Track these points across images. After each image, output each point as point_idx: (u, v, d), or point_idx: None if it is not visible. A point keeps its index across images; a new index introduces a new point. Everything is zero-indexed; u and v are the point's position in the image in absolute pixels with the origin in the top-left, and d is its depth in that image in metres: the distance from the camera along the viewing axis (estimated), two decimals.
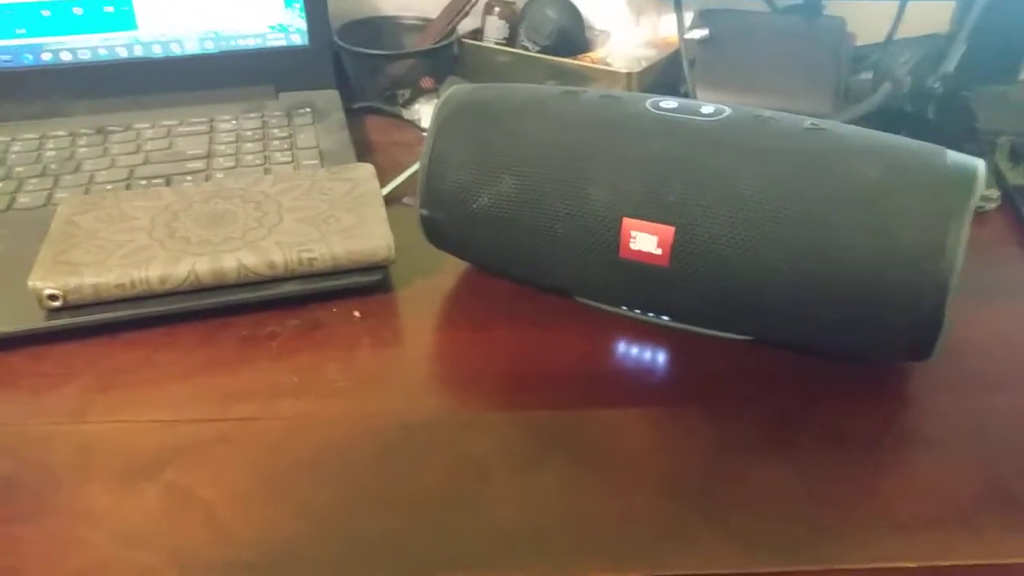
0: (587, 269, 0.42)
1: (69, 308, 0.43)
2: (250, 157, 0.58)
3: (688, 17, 0.67)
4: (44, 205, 0.53)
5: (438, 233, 0.46)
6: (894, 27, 0.65)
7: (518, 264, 0.45)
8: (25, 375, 0.42)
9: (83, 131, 0.61)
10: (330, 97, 0.67)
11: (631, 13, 0.74)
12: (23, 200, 0.54)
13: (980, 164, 0.37)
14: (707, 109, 0.41)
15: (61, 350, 0.43)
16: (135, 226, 0.46)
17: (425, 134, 0.45)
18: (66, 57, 0.64)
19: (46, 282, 0.42)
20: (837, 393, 0.40)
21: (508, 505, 0.35)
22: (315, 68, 0.67)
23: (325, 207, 0.48)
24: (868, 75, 0.66)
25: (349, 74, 0.70)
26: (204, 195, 0.49)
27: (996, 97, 0.65)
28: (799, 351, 0.42)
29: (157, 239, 0.45)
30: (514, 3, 0.73)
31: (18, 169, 0.57)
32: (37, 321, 0.43)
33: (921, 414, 0.39)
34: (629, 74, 0.65)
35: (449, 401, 0.40)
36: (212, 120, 0.63)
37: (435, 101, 0.57)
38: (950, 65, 0.57)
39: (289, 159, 0.58)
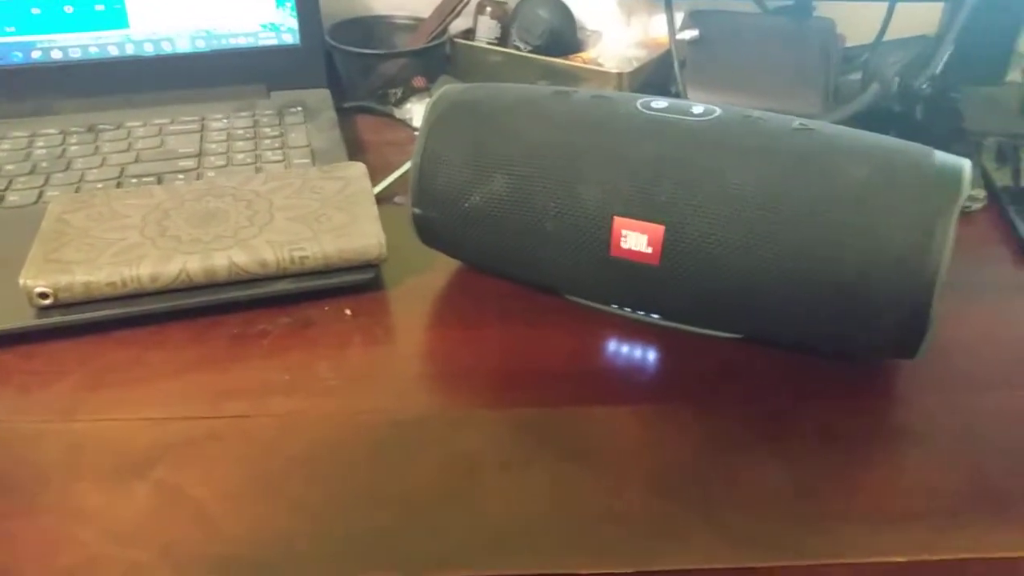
0: (578, 268, 0.42)
1: (60, 306, 0.43)
2: (241, 156, 0.58)
3: (679, 18, 0.67)
4: (35, 203, 0.53)
5: (429, 232, 0.46)
6: (883, 28, 0.65)
7: (509, 263, 0.45)
8: (15, 373, 0.41)
9: (74, 129, 0.61)
10: (321, 96, 0.67)
11: (622, 14, 0.74)
12: (13, 198, 0.53)
13: (967, 164, 0.38)
14: (697, 109, 0.41)
15: (51, 348, 0.43)
16: (126, 224, 0.46)
17: (417, 133, 0.45)
18: (57, 55, 0.64)
19: (37, 280, 0.42)
20: (826, 391, 0.41)
21: (498, 502, 0.35)
22: (306, 67, 0.67)
23: (316, 206, 0.48)
24: (857, 76, 0.66)
25: (341, 73, 0.70)
26: (195, 193, 0.49)
27: (983, 98, 0.66)
28: (788, 349, 0.42)
29: (148, 237, 0.45)
30: (506, 3, 0.74)
31: (8, 167, 0.57)
32: (27, 319, 0.43)
33: (909, 412, 0.40)
34: (620, 74, 0.66)
35: (440, 399, 0.40)
36: (203, 119, 0.63)
37: (427, 100, 0.57)
38: (938, 66, 0.58)
39: (280, 158, 0.58)
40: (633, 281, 0.41)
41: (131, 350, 0.43)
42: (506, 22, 0.73)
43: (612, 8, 0.74)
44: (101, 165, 0.57)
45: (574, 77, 0.67)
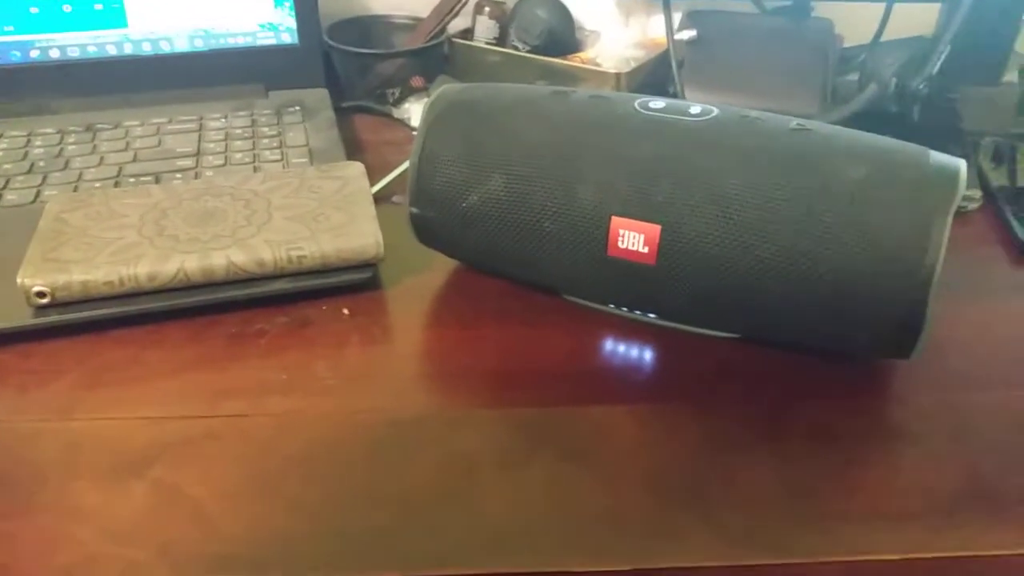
0: (575, 267, 0.42)
1: (57, 305, 0.43)
2: (239, 155, 0.59)
3: (677, 18, 0.67)
4: (32, 202, 0.53)
5: (427, 231, 0.46)
6: (880, 29, 0.65)
7: (507, 262, 0.45)
8: (13, 372, 0.41)
9: (72, 128, 0.61)
10: (320, 96, 0.67)
11: (620, 14, 0.74)
12: (10, 197, 0.53)
13: (962, 164, 0.38)
14: (695, 109, 0.41)
15: (49, 347, 0.43)
16: (124, 224, 0.46)
17: (415, 133, 0.46)
18: (55, 55, 0.64)
19: (35, 279, 0.42)
20: (822, 390, 0.41)
21: (496, 501, 0.35)
22: (305, 67, 0.67)
23: (315, 205, 0.48)
24: (854, 76, 0.66)
25: (339, 73, 0.70)
26: (193, 193, 0.49)
27: (980, 98, 0.66)
28: (785, 349, 0.43)
29: (146, 237, 0.45)
30: (504, 3, 0.74)
31: (6, 166, 0.57)
32: (25, 318, 0.43)
33: (905, 411, 0.40)
34: (618, 74, 0.66)
35: (438, 398, 0.40)
36: (201, 118, 0.63)
37: (425, 100, 0.58)
38: (935, 67, 0.58)
39: (278, 157, 0.58)
40: (630, 281, 0.41)
41: (129, 349, 0.43)
42: (504, 22, 0.73)
43: (610, 8, 0.74)
44: (99, 164, 0.57)
45: (572, 77, 0.67)
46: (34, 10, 0.63)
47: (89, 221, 0.46)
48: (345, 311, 0.46)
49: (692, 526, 0.34)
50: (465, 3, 0.71)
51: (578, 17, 0.74)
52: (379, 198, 0.52)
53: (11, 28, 0.63)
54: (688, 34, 0.66)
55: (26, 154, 0.58)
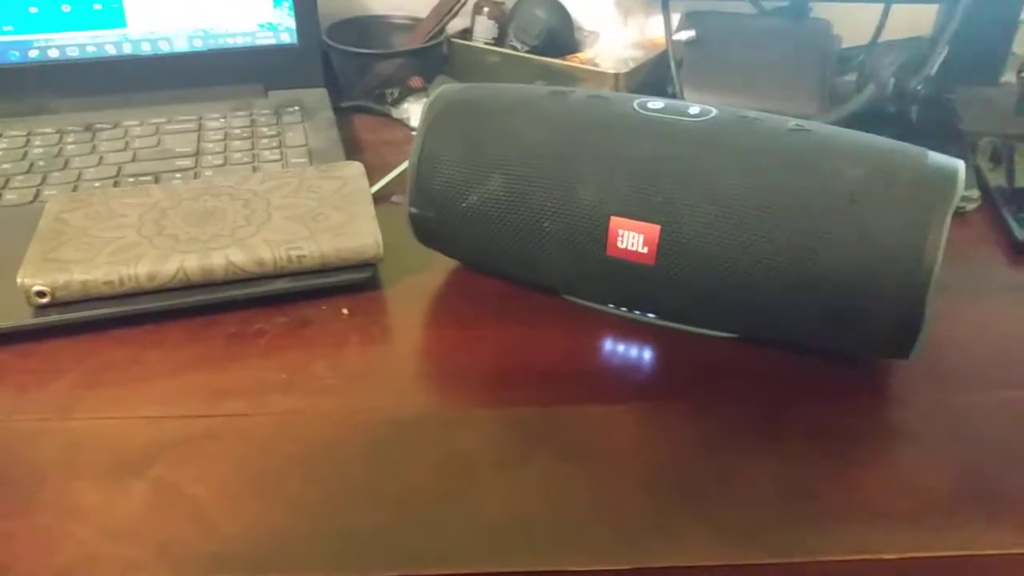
0: (574, 267, 0.42)
1: (57, 305, 0.43)
2: (239, 155, 0.59)
3: (675, 19, 0.67)
4: (31, 202, 0.53)
5: (427, 231, 0.46)
6: (879, 30, 0.65)
7: (506, 262, 0.45)
8: (12, 372, 0.41)
9: (71, 128, 0.61)
10: (319, 96, 0.67)
11: (619, 14, 0.74)
12: (10, 197, 0.53)
13: (960, 165, 0.38)
14: (694, 110, 0.41)
15: (49, 347, 0.43)
16: (124, 223, 0.46)
17: (414, 133, 0.46)
18: (54, 54, 0.64)
19: (35, 279, 0.42)
20: (821, 389, 0.41)
21: (495, 500, 0.35)
22: (304, 67, 0.68)
23: (314, 205, 0.48)
24: (853, 77, 0.66)
25: (338, 73, 0.70)
26: (193, 193, 0.49)
27: (978, 99, 0.66)
28: (783, 348, 0.43)
29: (146, 236, 0.45)
30: (503, 3, 0.74)
31: (5, 166, 0.57)
32: (25, 318, 0.43)
33: (903, 410, 0.40)
34: (617, 75, 0.66)
35: (437, 398, 0.40)
36: (201, 118, 0.63)
37: (424, 100, 0.58)
38: (933, 67, 0.58)
39: (278, 157, 0.58)
40: (629, 280, 0.41)
41: (128, 349, 0.43)
42: (503, 22, 0.73)
43: (609, 9, 0.74)
44: (98, 164, 0.57)
45: (571, 77, 0.68)
46: (33, 10, 0.63)
47: (89, 221, 0.46)
48: (344, 311, 0.46)
49: (690, 526, 0.34)
50: (464, 3, 0.71)
51: (577, 17, 0.74)
52: (378, 198, 0.52)
53: (10, 28, 0.63)
54: (687, 34, 0.66)
55: (25, 154, 0.58)
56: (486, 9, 0.73)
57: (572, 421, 0.39)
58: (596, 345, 0.43)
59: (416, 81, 0.69)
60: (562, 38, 0.72)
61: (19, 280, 0.42)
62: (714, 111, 0.41)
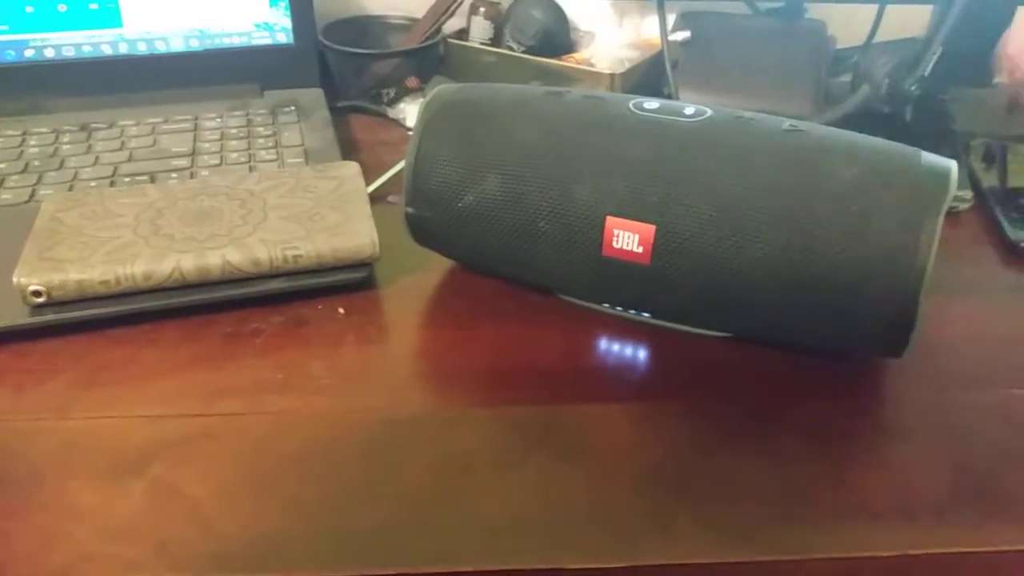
0: (570, 267, 0.43)
1: (53, 304, 0.43)
2: (235, 155, 0.59)
3: (671, 19, 0.67)
4: (27, 202, 0.53)
5: (423, 231, 0.46)
6: (873, 31, 0.66)
7: (502, 262, 0.45)
8: (9, 371, 0.41)
9: (67, 128, 0.61)
10: (315, 96, 0.67)
11: (615, 15, 0.75)
12: (5, 196, 0.53)
13: (953, 165, 0.38)
14: (689, 110, 0.42)
15: (45, 346, 0.43)
16: (120, 223, 0.46)
17: (410, 133, 0.46)
18: (50, 54, 0.64)
19: (31, 278, 0.42)
20: (816, 389, 0.41)
21: (491, 499, 0.35)
22: (300, 66, 0.68)
23: (310, 205, 0.48)
24: (847, 77, 0.67)
25: (334, 73, 0.70)
26: (189, 192, 0.49)
27: (972, 100, 0.66)
28: (778, 347, 0.43)
29: (142, 236, 0.45)
30: (499, 3, 0.74)
31: (1, 166, 0.57)
32: (21, 317, 0.43)
33: (896, 409, 0.40)
34: (612, 75, 0.66)
35: (433, 397, 0.41)
36: (197, 118, 0.63)
37: (420, 100, 0.58)
38: (926, 68, 0.58)
39: (274, 157, 0.59)
40: (625, 280, 0.42)
41: (125, 348, 0.43)
42: (499, 22, 0.73)
43: (605, 9, 0.74)
44: (94, 164, 0.57)
45: (567, 78, 0.68)
46: (29, 9, 0.63)
47: (85, 220, 0.46)
48: (341, 310, 0.46)
49: (686, 524, 0.34)
50: (460, 3, 0.71)
51: (573, 18, 0.74)
52: (374, 198, 0.52)
53: (6, 27, 0.63)
54: (682, 35, 0.66)
55: (21, 153, 0.58)
56: (482, 9, 0.73)
57: (569, 421, 0.39)
58: (592, 345, 0.44)
59: (412, 81, 0.69)
60: (558, 38, 0.72)
61: (15, 280, 0.42)
62: (709, 111, 0.41)
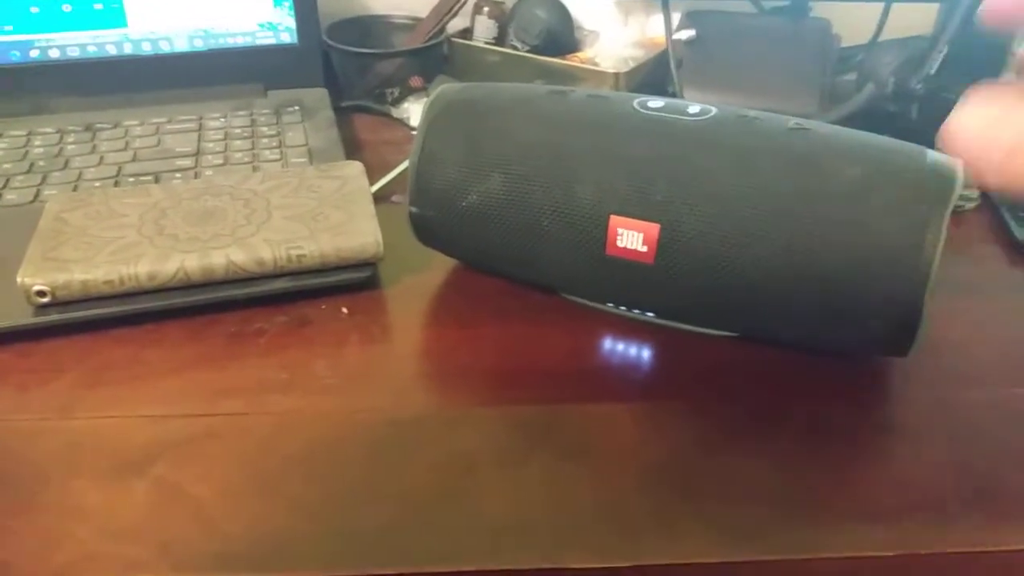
0: (574, 266, 0.42)
1: (57, 304, 0.43)
2: (239, 155, 0.59)
3: (676, 18, 0.67)
4: (32, 202, 0.53)
5: (427, 231, 0.46)
6: (879, 29, 0.65)
7: (506, 261, 0.45)
8: (13, 371, 0.42)
9: (71, 128, 0.61)
10: (319, 95, 0.67)
11: (619, 14, 0.74)
12: (10, 197, 0.54)
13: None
14: (693, 109, 0.41)
15: (49, 346, 0.43)
16: (124, 223, 0.46)
17: (414, 133, 0.46)
18: (54, 54, 0.64)
19: (35, 278, 0.42)
20: (820, 388, 0.41)
21: (495, 499, 0.35)
22: (304, 66, 0.68)
23: (314, 204, 0.48)
24: (852, 76, 0.66)
25: (338, 72, 0.70)
26: (193, 192, 0.49)
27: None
28: (783, 347, 0.43)
29: (146, 236, 0.45)
30: (503, 3, 0.74)
31: (5, 166, 0.57)
32: (25, 317, 0.43)
33: (900, 408, 0.40)
34: (617, 74, 0.66)
35: (437, 397, 0.40)
36: (201, 118, 0.63)
37: (424, 100, 0.58)
38: (932, 66, 0.58)
39: (278, 157, 0.59)
40: (629, 280, 0.41)
41: (129, 348, 0.43)
42: (503, 22, 0.73)
43: (609, 8, 0.74)
44: (99, 164, 0.57)
45: (571, 77, 0.68)
46: (34, 10, 0.63)
47: (89, 220, 0.46)
48: (344, 310, 0.46)
49: (690, 523, 0.34)
50: (464, 3, 0.71)
51: (577, 17, 0.74)
52: (378, 198, 0.52)
53: (10, 28, 0.63)
54: (687, 34, 0.66)
55: (26, 154, 0.58)
56: (486, 9, 0.73)
57: (573, 420, 0.39)
58: (596, 344, 0.44)
59: (416, 81, 0.69)
60: (562, 38, 0.72)
61: (19, 280, 0.42)
62: (714, 110, 0.41)
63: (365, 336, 0.44)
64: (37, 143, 0.60)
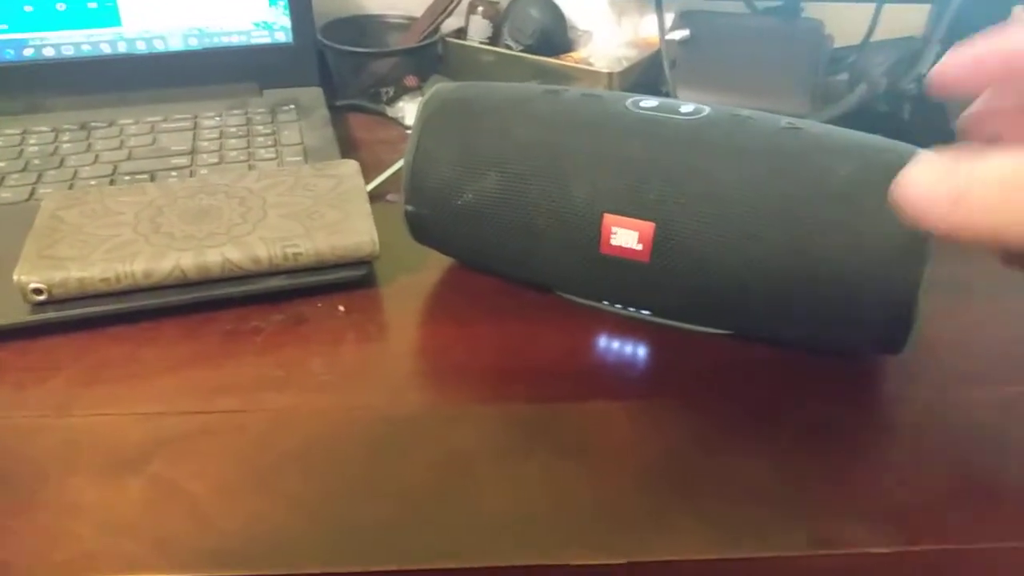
0: (569, 265, 0.43)
1: (54, 302, 0.43)
2: (234, 153, 0.59)
3: (669, 18, 0.68)
4: (27, 200, 0.53)
5: (422, 229, 0.46)
6: (871, 29, 0.66)
7: (501, 260, 0.45)
8: (10, 369, 0.42)
9: (66, 127, 0.61)
10: (314, 94, 0.67)
11: (613, 14, 0.75)
12: (6, 195, 0.54)
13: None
14: (686, 108, 0.42)
15: (46, 344, 0.43)
16: (120, 221, 0.46)
17: (409, 131, 0.46)
18: (49, 53, 0.64)
19: (31, 276, 0.42)
20: (816, 386, 0.41)
21: (493, 496, 0.35)
22: (299, 65, 0.68)
23: (309, 203, 0.48)
24: (845, 76, 0.67)
25: (333, 72, 0.71)
26: (188, 191, 0.49)
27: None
28: (778, 345, 0.43)
29: (142, 234, 0.45)
30: (498, 3, 0.74)
31: (0, 164, 0.57)
32: (22, 315, 0.43)
33: (897, 407, 0.40)
34: (610, 74, 0.66)
35: (433, 395, 0.41)
36: (196, 116, 0.63)
37: (419, 99, 0.58)
38: (924, 66, 0.59)
39: (273, 155, 0.59)
40: (624, 278, 0.42)
41: (125, 346, 0.43)
42: (498, 21, 0.73)
43: (603, 8, 0.74)
44: (94, 162, 0.57)
45: (565, 76, 0.68)
46: (28, 8, 0.63)
47: (85, 219, 0.46)
48: (340, 308, 0.46)
49: (687, 520, 0.34)
50: (459, 2, 0.71)
51: (571, 17, 0.74)
52: (374, 196, 0.52)
53: (5, 26, 0.63)
54: (680, 34, 0.66)
55: (21, 152, 0.58)
56: (480, 8, 0.73)
57: (568, 417, 0.39)
58: (592, 342, 0.44)
59: (411, 80, 0.69)
60: (556, 37, 0.72)
61: (15, 277, 0.42)
62: (707, 110, 0.42)
63: (361, 334, 0.44)
64: (32, 141, 0.59)
